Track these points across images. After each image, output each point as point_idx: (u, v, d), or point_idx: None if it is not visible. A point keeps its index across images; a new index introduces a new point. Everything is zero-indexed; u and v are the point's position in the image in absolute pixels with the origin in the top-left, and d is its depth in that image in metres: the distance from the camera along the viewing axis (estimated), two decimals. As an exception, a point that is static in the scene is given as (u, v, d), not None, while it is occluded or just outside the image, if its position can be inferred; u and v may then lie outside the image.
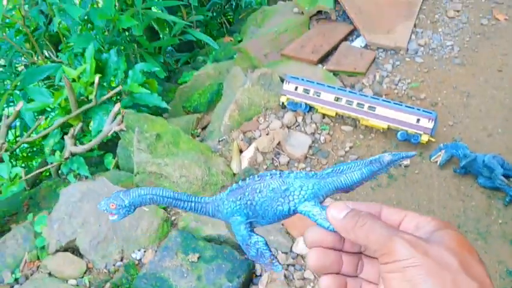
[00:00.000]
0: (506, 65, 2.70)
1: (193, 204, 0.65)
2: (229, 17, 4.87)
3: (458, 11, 3.13)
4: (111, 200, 0.65)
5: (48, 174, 2.99)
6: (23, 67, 3.50)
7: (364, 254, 0.59)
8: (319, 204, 0.61)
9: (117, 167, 2.45)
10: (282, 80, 2.46)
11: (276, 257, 0.64)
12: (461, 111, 2.42)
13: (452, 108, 2.45)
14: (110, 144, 2.72)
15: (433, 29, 3.00)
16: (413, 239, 0.49)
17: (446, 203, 2.05)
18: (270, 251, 0.63)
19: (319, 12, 3.14)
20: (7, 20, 3.01)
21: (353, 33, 3.01)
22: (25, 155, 3.99)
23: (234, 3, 4.78)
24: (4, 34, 2.89)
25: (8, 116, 2.43)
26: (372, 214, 0.54)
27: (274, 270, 0.63)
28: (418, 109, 2.20)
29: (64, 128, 2.49)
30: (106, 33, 2.81)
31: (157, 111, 2.81)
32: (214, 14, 4.57)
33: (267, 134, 2.30)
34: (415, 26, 3.00)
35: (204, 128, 2.63)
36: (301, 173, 0.63)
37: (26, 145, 3.72)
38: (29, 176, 2.29)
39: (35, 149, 3.92)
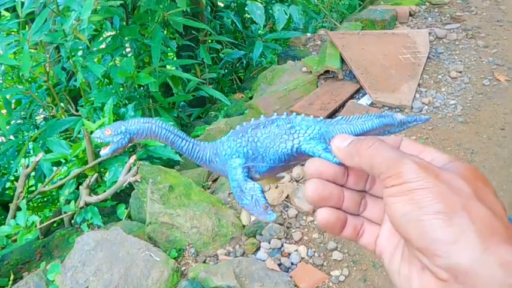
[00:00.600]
0: (509, 123, 2.78)
1: (191, 144, 0.61)
2: (240, 74, 5.08)
3: (460, 72, 3.27)
4: (108, 126, 0.61)
5: (59, 223, 3.04)
6: (41, 119, 3.65)
7: (369, 193, 0.56)
8: (325, 143, 0.57)
9: (129, 217, 2.51)
10: (291, 135, 2.56)
11: (270, 206, 0.58)
12: (466, 167, 2.48)
13: (457, 165, 2.50)
14: (123, 195, 2.79)
15: (437, 88, 3.12)
16: (424, 162, 0.45)
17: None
18: (265, 199, 0.58)
19: (327, 71, 3.29)
20: (30, 75, 3.20)
21: (359, 91, 3.14)
22: (35, 205, 4.05)
23: (244, 62, 5.00)
24: (28, 89, 3.05)
25: (27, 166, 2.53)
26: (379, 138, 0.50)
27: (268, 219, 0.58)
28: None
29: (79, 178, 2.57)
30: (123, 88, 2.97)
31: (170, 164, 2.90)
32: (226, 71, 4.78)
33: (276, 187, 2.37)
34: (419, 85, 3.13)
35: (214, 181, 2.70)
36: (308, 117, 0.60)
37: (37, 195, 3.81)
38: (43, 224, 2.36)
39: (45, 199, 4.00)
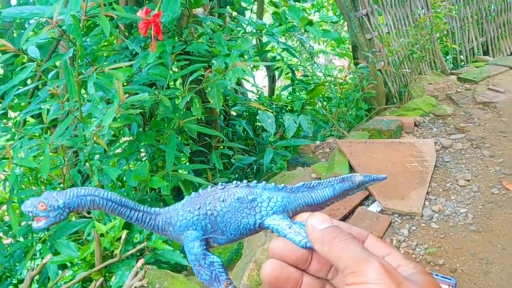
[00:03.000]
0: (522, 233, 2.74)
1: (140, 214, 0.56)
2: (250, 179, 5.16)
3: (468, 181, 3.30)
4: (42, 199, 0.54)
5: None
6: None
7: (330, 283, 0.54)
8: (289, 219, 0.54)
9: (132, 325, 2.40)
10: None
11: (232, 282, 0.55)
12: (482, 278, 2.40)
13: (472, 276, 2.43)
14: (127, 301, 2.70)
15: (446, 196, 3.14)
16: (391, 267, 0.44)
17: None
18: (227, 274, 0.55)
19: (336, 178, 3.34)
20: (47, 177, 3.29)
21: (368, 198, 3.16)
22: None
23: (255, 168, 5.11)
24: (43, 191, 3.13)
25: (33, 268, 2.49)
26: (353, 235, 0.49)
27: None
28: (437, 275, 2.20)
29: (84, 282, 2.52)
30: (135, 191, 3.03)
31: (177, 268, 2.85)
32: (237, 176, 4.87)
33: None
34: (428, 193, 3.15)
35: (222, 288, 2.63)
36: (269, 184, 0.57)
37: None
38: (43, 331, 2.26)
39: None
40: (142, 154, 3.85)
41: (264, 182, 0.58)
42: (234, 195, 0.56)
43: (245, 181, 0.58)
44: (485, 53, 6.71)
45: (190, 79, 2.95)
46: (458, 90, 5.19)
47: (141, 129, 3.44)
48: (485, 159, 3.61)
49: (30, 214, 0.55)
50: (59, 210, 0.54)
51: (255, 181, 0.58)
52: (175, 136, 3.16)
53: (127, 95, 2.27)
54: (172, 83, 4.18)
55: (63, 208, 0.54)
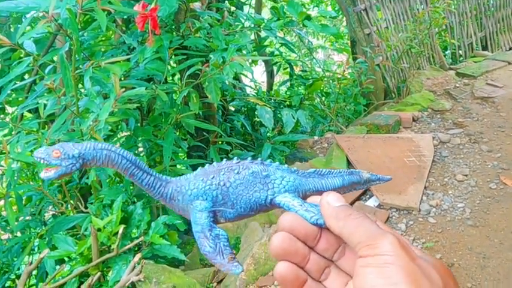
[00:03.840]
0: (520, 228, 2.74)
1: (152, 178, 0.55)
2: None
3: (466, 175, 3.30)
4: (57, 146, 0.52)
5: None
6: (50, 215, 3.67)
7: (335, 264, 0.54)
8: (300, 198, 0.55)
9: (129, 319, 2.41)
10: (298, 236, 2.54)
11: (235, 257, 0.53)
12: (479, 273, 2.41)
13: (469, 270, 2.43)
14: (124, 296, 2.70)
15: (444, 191, 3.14)
16: (406, 243, 0.45)
17: None
18: (231, 249, 0.53)
19: (334, 173, 3.34)
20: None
21: (366, 193, 3.16)
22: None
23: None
24: (40, 186, 3.12)
25: (30, 263, 2.49)
26: (366, 215, 0.50)
27: (233, 272, 0.52)
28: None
29: (81, 277, 2.52)
30: (133, 186, 3.02)
31: (175, 263, 2.85)
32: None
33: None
34: (425, 188, 3.15)
35: (219, 282, 2.63)
36: (283, 165, 0.57)
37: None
38: (40, 326, 2.26)
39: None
40: (140, 149, 3.83)
41: (277, 163, 0.58)
42: (248, 169, 0.56)
43: (259, 159, 0.58)
44: (484, 48, 6.70)
45: (187, 74, 2.94)
46: (457, 85, 5.18)
47: (138, 124, 3.43)
48: (483, 154, 3.61)
49: (42, 161, 0.53)
50: (73, 160, 0.53)
51: (269, 160, 0.58)
52: (172, 131, 3.15)
53: (124, 90, 2.26)
54: (170, 77, 4.17)
55: (78, 158, 0.53)
